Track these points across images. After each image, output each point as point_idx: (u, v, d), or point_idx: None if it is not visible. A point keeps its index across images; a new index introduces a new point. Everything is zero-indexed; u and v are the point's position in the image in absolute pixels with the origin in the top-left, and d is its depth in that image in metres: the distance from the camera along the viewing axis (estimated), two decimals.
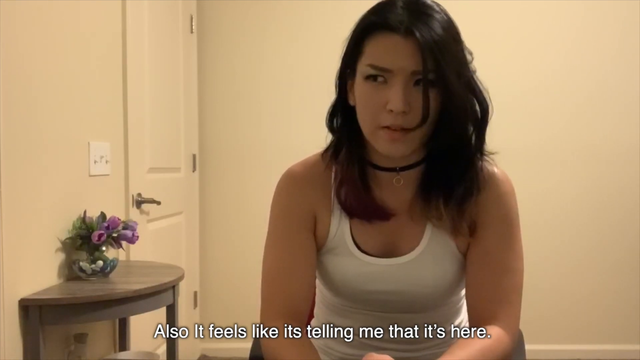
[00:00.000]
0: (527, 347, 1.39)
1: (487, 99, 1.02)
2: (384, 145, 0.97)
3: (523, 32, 3.31)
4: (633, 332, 3.29)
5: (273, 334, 1.01)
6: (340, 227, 1.07)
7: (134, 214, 2.48)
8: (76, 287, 1.88)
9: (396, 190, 1.06)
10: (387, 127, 0.95)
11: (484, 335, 0.98)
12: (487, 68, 3.57)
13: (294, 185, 1.12)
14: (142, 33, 2.58)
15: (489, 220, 1.04)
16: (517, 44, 3.30)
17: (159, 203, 2.59)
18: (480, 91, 1.01)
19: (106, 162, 2.26)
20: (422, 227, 1.05)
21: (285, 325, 1.01)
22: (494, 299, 1.02)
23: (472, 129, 1.01)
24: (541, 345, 3.15)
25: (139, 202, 2.52)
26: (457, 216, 1.02)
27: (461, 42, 0.98)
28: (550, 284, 3.31)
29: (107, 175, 2.28)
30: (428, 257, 1.05)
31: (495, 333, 0.99)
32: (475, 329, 1.00)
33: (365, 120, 0.99)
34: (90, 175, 2.15)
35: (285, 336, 1.00)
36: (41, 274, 1.86)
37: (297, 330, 1.01)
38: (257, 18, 3.36)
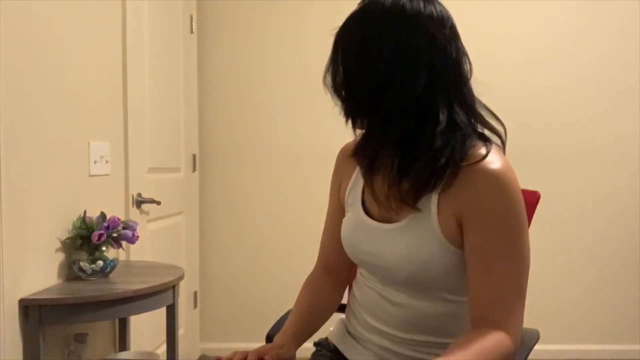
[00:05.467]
0: None
1: (419, 71, 1.02)
2: None
3: (524, 31, 3.31)
4: (633, 332, 3.29)
5: (308, 277, 1.31)
6: (355, 187, 1.21)
7: (134, 214, 2.48)
8: (76, 287, 1.88)
9: (388, 165, 1.11)
10: None
11: (485, 336, 0.97)
12: (488, 69, 3.55)
13: (338, 157, 1.30)
14: (142, 33, 2.58)
15: (479, 219, 1.01)
16: (517, 44, 3.30)
17: (159, 203, 2.59)
18: (405, 62, 1.02)
19: (106, 162, 2.26)
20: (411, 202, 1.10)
21: (318, 273, 1.31)
22: (494, 302, 1.00)
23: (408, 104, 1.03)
24: (541, 346, 3.14)
25: (139, 202, 2.52)
26: (431, 205, 1.06)
27: (379, 28, 1.04)
28: (550, 284, 3.31)
29: (107, 175, 2.28)
30: (408, 231, 1.08)
31: (496, 335, 0.97)
32: (476, 330, 1.00)
33: None
34: (90, 175, 2.15)
35: (310, 281, 1.30)
36: (41, 274, 1.86)
37: (323, 280, 1.29)
38: (257, 18, 3.36)
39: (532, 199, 1.53)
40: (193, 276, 3.29)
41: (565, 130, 3.31)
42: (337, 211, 1.28)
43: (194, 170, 3.31)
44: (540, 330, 1.51)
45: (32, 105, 1.81)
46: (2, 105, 1.65)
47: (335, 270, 1.30)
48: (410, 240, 1.08)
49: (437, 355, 1.02)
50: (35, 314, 1.72)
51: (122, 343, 2.29)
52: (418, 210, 1.06)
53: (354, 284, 1.30)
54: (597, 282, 3.33)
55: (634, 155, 3.29)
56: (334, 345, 1.29)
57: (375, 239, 1.13)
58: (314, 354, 1.31)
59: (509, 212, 1.01)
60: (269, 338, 1.40)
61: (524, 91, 3.30)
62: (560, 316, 3.31)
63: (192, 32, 3.24)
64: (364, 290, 1.23)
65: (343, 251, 1.23)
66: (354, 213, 1.19)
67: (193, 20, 3.25)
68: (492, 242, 1.00)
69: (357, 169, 1.20)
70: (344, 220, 1.22)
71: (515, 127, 3.28)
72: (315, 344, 1.34)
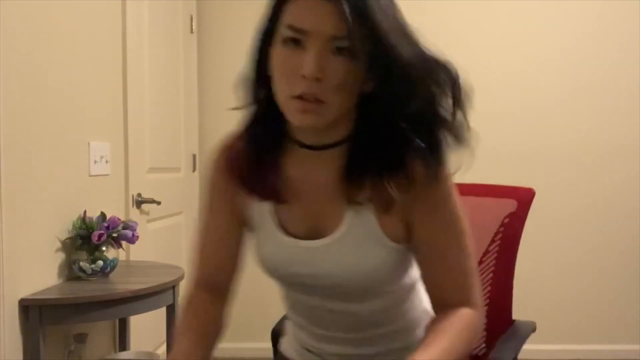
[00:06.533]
0: (527, 347, 1.39)
1: (449, 74, 0.92)
2: (296, 116, 0.91)
3: (522, 32, 3.30)
4: (633, 332, 3.29)
5: (188, 298, 1.09)
6: (261, 206, 1.05)
7: (134, 214, 2.48)
8: (76, 287, 1.88)
9: (317, 170, 1.00)
10: (300, 98, 0.89)
11: (452, 319, 0.97)
12: (487, 69, 3.53)
13: (220, 164, 1.09)
14: (142, 33, 2.58)
15: (429, 215, 0.98)
16: (515, 45, 3.30)
17: (159, 203, 2.59)
18: (437, 63, 0.92)
19: (106, 162, 2.26)
20: (345, 210, 0.99)
21: (200, 294, 1.09)
22: (454, 287, 1.00)
23: (418, 108, 0.91)
24: (541, 345, 3.15)
25: (139, 202, 2.52)
26: (380, 204, 0.96)
27: (399, 10, 0.92)
28: (549, 284, 3.31)
29: (107, 175, 2.28)
30: (348, 241, 0.99)
31: (462, 313, 0.98)
32: (442, 314, 0.99)
33: (279, 89, 0.93)
34: (90, 175, 2.15)
35: (195, 303, 1.08)
36: (41, 274, 1.86)
37: (206, 300, 1.09)
38: (257, 18, 3.35)
39: (527, 197, 1.54)
40: None
41: (563, 128, 3.30)
42: (225, 225, 1.09)
43: (194, 170, 3.31)
44: (539, 329, 1.51)
45: (32, 105, 1.82)
46: (2, 105, 1.65)
47: (219, 288, 1.13)
48: (352, 251, 0.99)
49: (400, 341, 1.04)
50: (35, 314, 1.72)
51: (122, 343, 2.29)
52: (359, 204, 0.97)
53: (283, 301, 1.19)
54: (596, 281, 3.32)
55: (633, 154, 3.28)
56: None
57: (309, 260, 1.02)
58: None
59: (452, 201, 0.99)
60: (274, 335, 1.38)
61: (522, 91, 3.29)
62: (560, 316, 3.31)
63: (192, 32, 3.24)
64: (298, 307, 1.14)
65: (230, 268, 1.12)
66: (271, 235, 1.04)
67: (193, 20, 3.25)
68: (444, 233, 0.99)
69: None
70: (262, 244, 1.07)
71: (512, 126, 3.29)
72: None
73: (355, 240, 0.99)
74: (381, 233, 0.98)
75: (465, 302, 0.99)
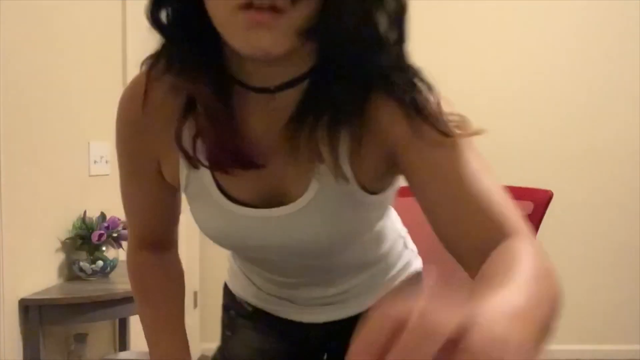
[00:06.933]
0: None
1: None
2: (243, 35, 0.65)
3: (531, 31, 3.30)
4: (633, 332, 3.29)
5: (137, 262, 1.01)
6: (193, 174, 0.82)
7: None
8: (76, 287, 1.88)
9: (272, 121, 0.76)
10: (249, 7, 0.63)
11: (518, 249, 0.66)
12: (498, 68, 3.50)
13: (133, 114, 0.87)
14: (142, 33, 2.58)
15: (418, 153, 0.72)
16: (525, 44, 3.30)
17: None
18: None
19: (106, 162, 2.26)
20: (311, 167, 0.76)
21: (146, 253, 1.00)
22: (492, 226, 0.68)
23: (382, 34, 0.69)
24: None
25: None
26: (343, 154, 0.75)
27: None
28: None
29: (107, 175, 2.28)
30: (318, 205, 0.78)
31: (522, 243, 0.66)
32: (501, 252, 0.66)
33: (218, 4, 0.67)
34: (90, 175, 2.15)
35: (142, 266, 1.01)
36: (41, 274, 1.86)
37: (157, 259, 1.00)
38: None
39: (544, 198, 1.53)
40: (193, 276, 3.29)
41: (581, 130, 3.29)
42: (157, 185, 0.89)
43: None
44: None
45: (33, 106, 1.82)
46: (2, 105, 1.65)
47: (164, 240, 1.00)
48: (325, 218, 0.80)
49: (376, 268, 0.98)
50: (35, 314, 1.72)
51: (122, 343, 2.29)
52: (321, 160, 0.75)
53: (231, 256, 1.06)
54: (597, 282, 3.32)
55: (635, 155, 3.28)
56: (252, 306, 1.07)
57: (272, 231, 0.82)
58: (232, 324, 1.11)
59: (444, 127, 0.71)
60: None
61: (540, 92, 3.28)
62: (560, 316, 3.31)
63: None
64: (254, 262, 1.00)
65: (172, 220, 0.98)
66: (213, 202, 0.82)
67: None
68: (453, 164, 0.71)
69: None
70: (202, 212, 0.86)
71: (525, 126, 3.28)
72: (225, 308, 1.13)
73: (328, 204, 0.78)
74: (358, 189, 0.78)
75: (515, 234, 0.67)
